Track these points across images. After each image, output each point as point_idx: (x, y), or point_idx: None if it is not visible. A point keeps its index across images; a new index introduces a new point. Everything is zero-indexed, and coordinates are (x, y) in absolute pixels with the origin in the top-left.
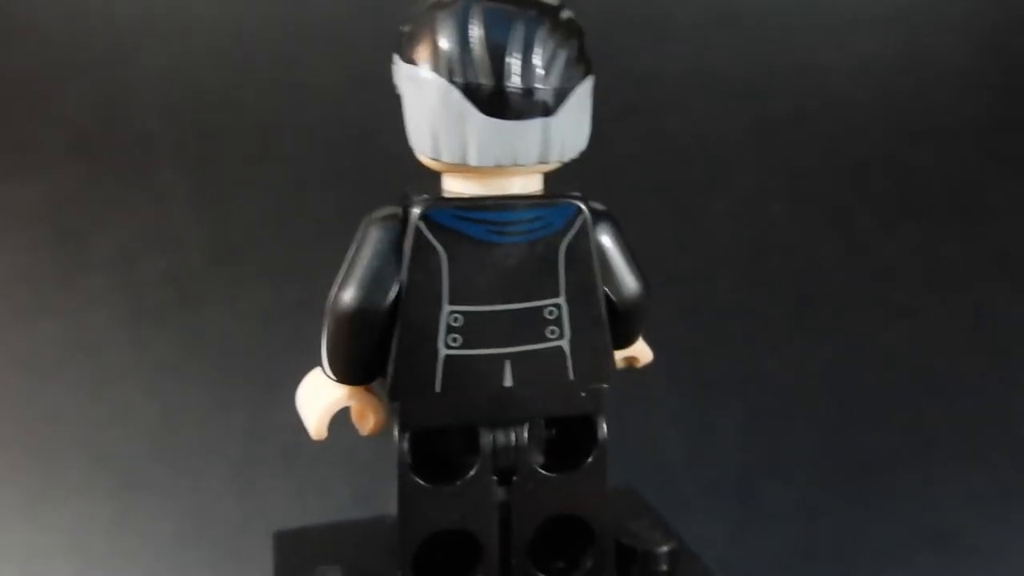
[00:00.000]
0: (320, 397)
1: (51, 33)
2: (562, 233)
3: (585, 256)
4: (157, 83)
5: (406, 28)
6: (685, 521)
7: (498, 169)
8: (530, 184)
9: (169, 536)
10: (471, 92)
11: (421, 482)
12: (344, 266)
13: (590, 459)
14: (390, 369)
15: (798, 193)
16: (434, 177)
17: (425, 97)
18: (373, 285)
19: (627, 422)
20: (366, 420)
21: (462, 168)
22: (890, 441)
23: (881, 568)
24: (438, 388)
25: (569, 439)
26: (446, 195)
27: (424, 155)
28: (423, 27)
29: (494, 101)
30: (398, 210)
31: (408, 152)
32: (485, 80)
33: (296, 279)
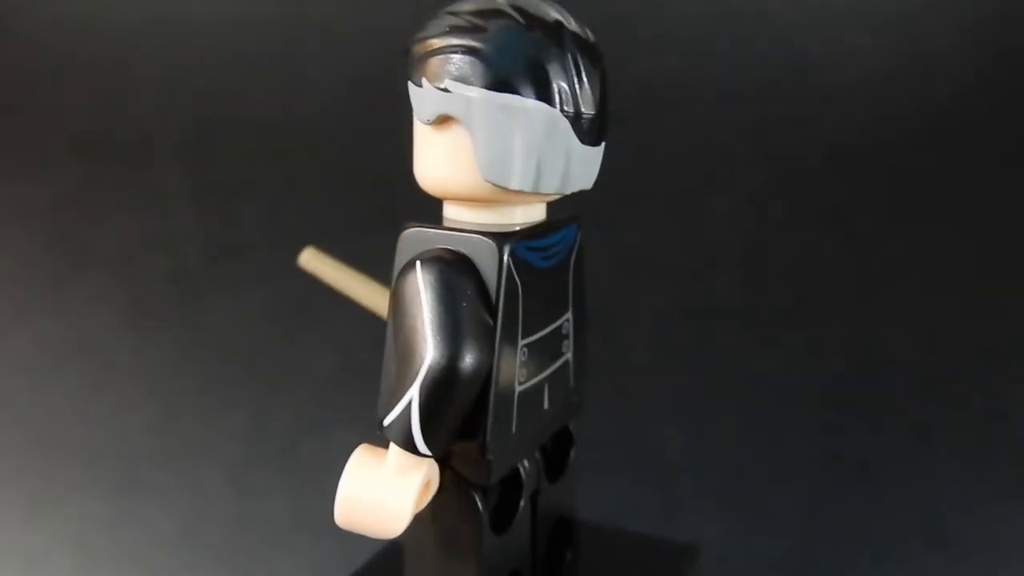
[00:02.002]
0: (404, 485)
1: (51, 34)
2: (571, 249)
3: (581, 266)
4: (157, 84)
5: (477, 54)
6: (685, 521)
7: (519, 196)
8: (532, 211)
9: (169, 536)
10: (575, 121)
11: (494, 535)
12: (426, 326)
13: (571, 458)
14: (489, 421)
15: (798, 193)
16: (432, 207)
17: (528, 127)
18: (483, 337)
19: (627, 422)
20: (430, 490)
21: (519, 196)
22: (890, 441)
23: (881, 568)
24: (514, 429)
25: (556, 446)
26: (462, 224)
27: (511, 185)
28: (516, 54)
29: (591, 129)
30: (446, 251)
31: (412, 153)
32: (587, 109)
33: (296, 279)
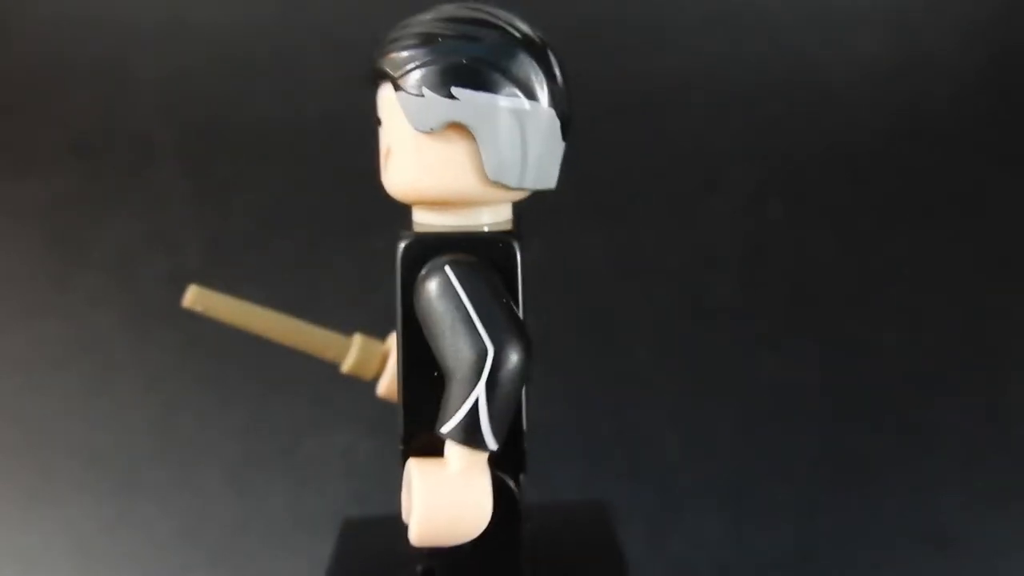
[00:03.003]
0: (480, 484)
1: (51, 34)
2: None
3: None
4: (157, 83)
5: (477, 60)
6: (684, 521)
7: (503, 197)
8: (500, 212)
9: (169, 536)
10: (562, 120)
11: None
12: (477, 323)
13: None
14: (524, 410)
15: (797, 193)
16: (401, 211)
17: (535, 127)
18: (524, 326)
19: (627, 422)
20: None
21: (503, 196)
22: (890, 441)
23: (880, 568)
24: (525, 427)
25: None
26: (433, 228)
27: (524, 184)
28: (512, 58)
29: (567, 126)
30: (461, 253)
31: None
32: (567, 108)
33: (296, 279)
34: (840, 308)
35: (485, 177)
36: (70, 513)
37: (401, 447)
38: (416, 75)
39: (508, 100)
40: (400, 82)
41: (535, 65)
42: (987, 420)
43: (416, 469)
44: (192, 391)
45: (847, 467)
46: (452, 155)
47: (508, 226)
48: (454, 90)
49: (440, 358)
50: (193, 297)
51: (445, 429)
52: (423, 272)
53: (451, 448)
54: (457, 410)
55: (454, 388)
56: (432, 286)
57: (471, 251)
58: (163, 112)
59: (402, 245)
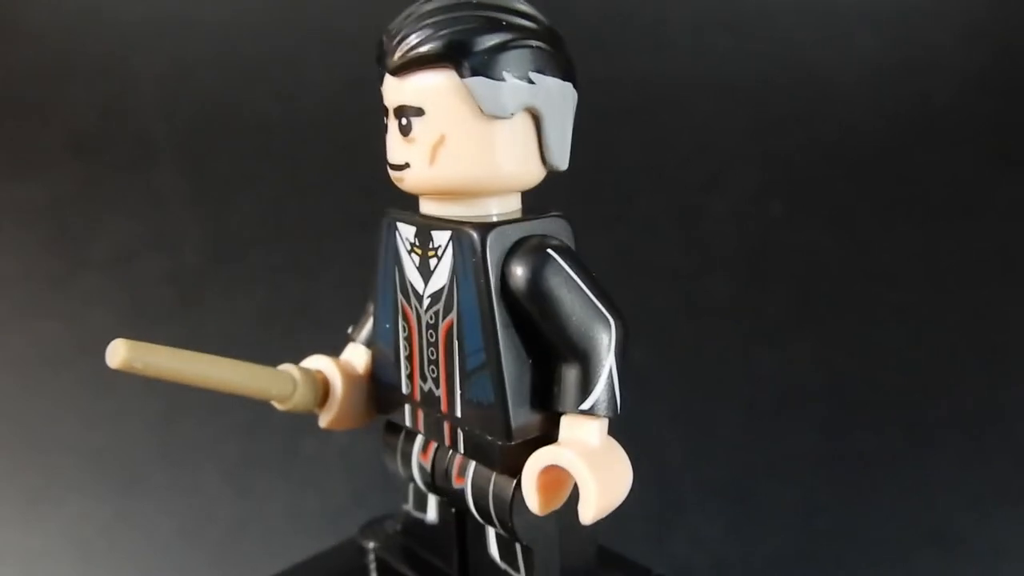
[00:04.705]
0: (619, 450)
1: (51, 34)
2: None
3: None
4: (157, 84)
5: (545, 45)
6: (685, 521)
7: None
8: (509, 202)
9: (169, 536)
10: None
11: None
12: (595, 300)
13: None
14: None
15: (798, 193)
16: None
17: (573, 111)
18: None
19: (627, 422)
20: None
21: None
22: (890, 441)
23: (880, 568)
24: None
25: None
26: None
27: (563, 166)
28: (561, 45)
29: None
30: (544, 236)
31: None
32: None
33: (296, 279)
34: (840, 308)
35: (540, 162)
36: (70, 513)
37: (501, 443)
38: (497, 59)
39: (564, 85)
40: (475, 66)
41: (568, 50)
42: (987, 420)
43: (579, 459)
44: (192, 391)
45: (847, 467)
46: (517, 141)
47: (519, 215)
48: (531, 75)
49: (563, 339)
50: (126, 355)
51: (587, 406)
52: (518, 258)
53: (589, 424)
54: (595, 385)
55: (588, 365)
56: (545, 271)
57: (544, 234)
58: (163, 112)
59: (489, 236)
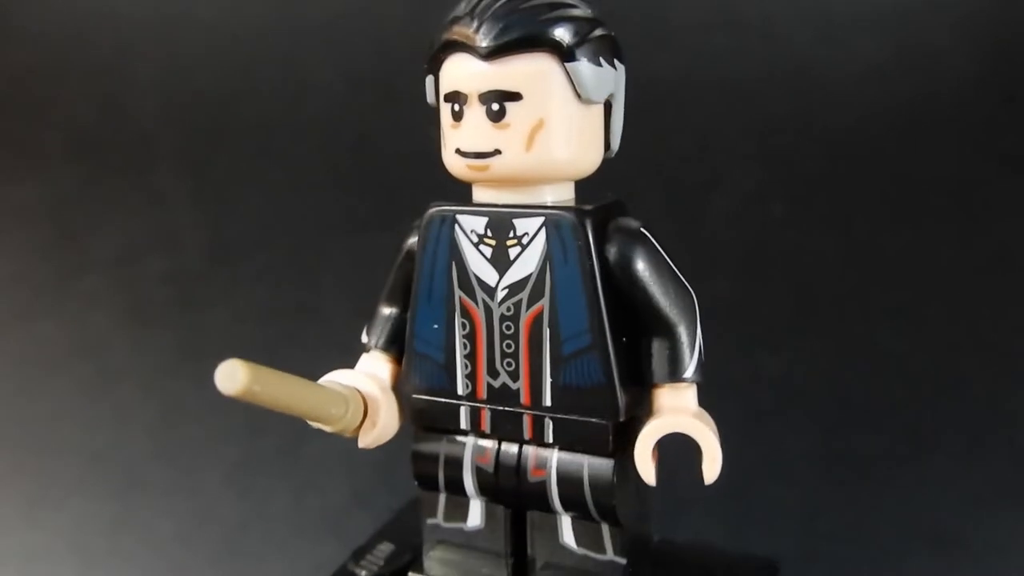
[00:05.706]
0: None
1: (51, 34)
2: None
3: None
4: (156, 83)
5: (611, 34)
6: (685, 521)
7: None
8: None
9: (169, 536)
10: None
11: None
12: (678, 275)
13: None
14: None
15: (798, 193)
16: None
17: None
18: None
19: None
20: None
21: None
22: (890, 441)
23: (881, 568)
24: None
25: None
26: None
27: (614, 153)
28: (610, 34)
29: None
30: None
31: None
32: None
33: (296, 279)
34: (840, 308)
35: (603, 148)
36: (70, 514)
37: (610, 423)
38: (595, 46)
39: (625, 73)
40: (578, 52)
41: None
42: (987, 420)
43: (698, 424)
44: (192, 392)
45: (847, 467)
46: (596, 126)
47: (572, 203)
48: (615, 61)
49: (661, 313)
50: (246, 380)
51: (688, 374)
52: (617, 240)
53: (689, 391)
54: (692, 354)
55: (682, 336)
56: (645, 250)
57: (624, 215)
58: (163, 112)
59: (586, 220)
